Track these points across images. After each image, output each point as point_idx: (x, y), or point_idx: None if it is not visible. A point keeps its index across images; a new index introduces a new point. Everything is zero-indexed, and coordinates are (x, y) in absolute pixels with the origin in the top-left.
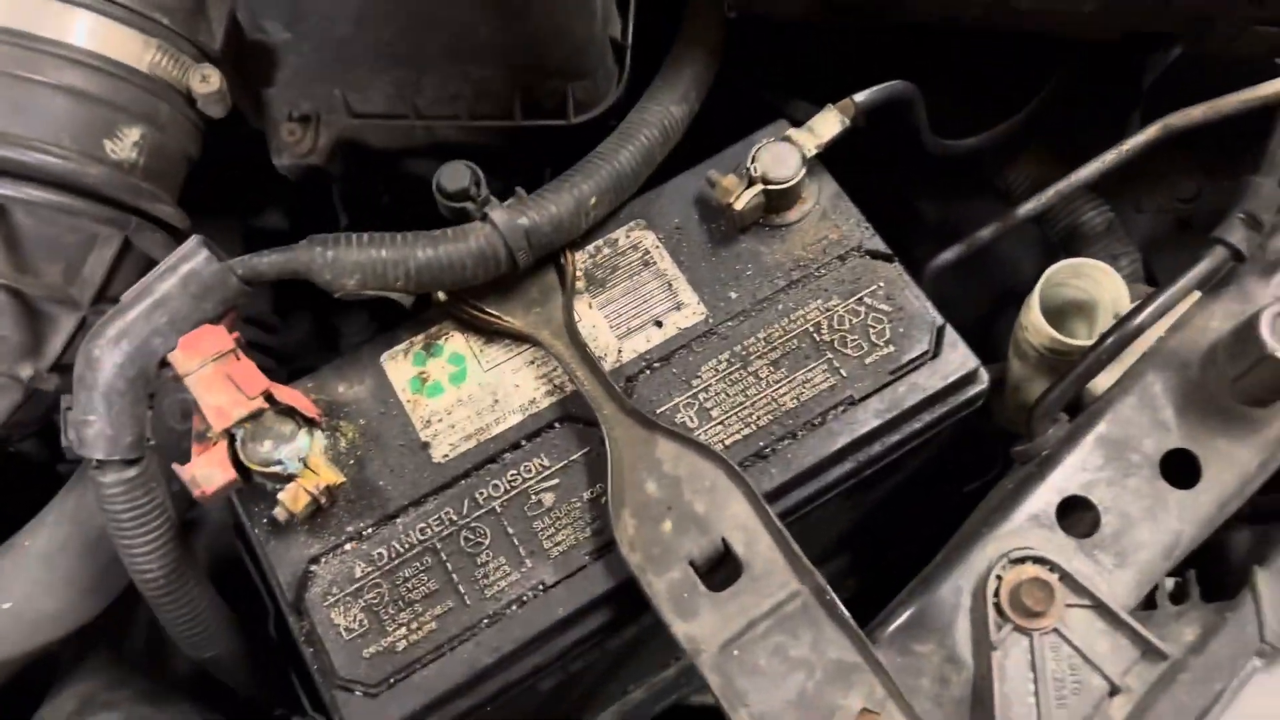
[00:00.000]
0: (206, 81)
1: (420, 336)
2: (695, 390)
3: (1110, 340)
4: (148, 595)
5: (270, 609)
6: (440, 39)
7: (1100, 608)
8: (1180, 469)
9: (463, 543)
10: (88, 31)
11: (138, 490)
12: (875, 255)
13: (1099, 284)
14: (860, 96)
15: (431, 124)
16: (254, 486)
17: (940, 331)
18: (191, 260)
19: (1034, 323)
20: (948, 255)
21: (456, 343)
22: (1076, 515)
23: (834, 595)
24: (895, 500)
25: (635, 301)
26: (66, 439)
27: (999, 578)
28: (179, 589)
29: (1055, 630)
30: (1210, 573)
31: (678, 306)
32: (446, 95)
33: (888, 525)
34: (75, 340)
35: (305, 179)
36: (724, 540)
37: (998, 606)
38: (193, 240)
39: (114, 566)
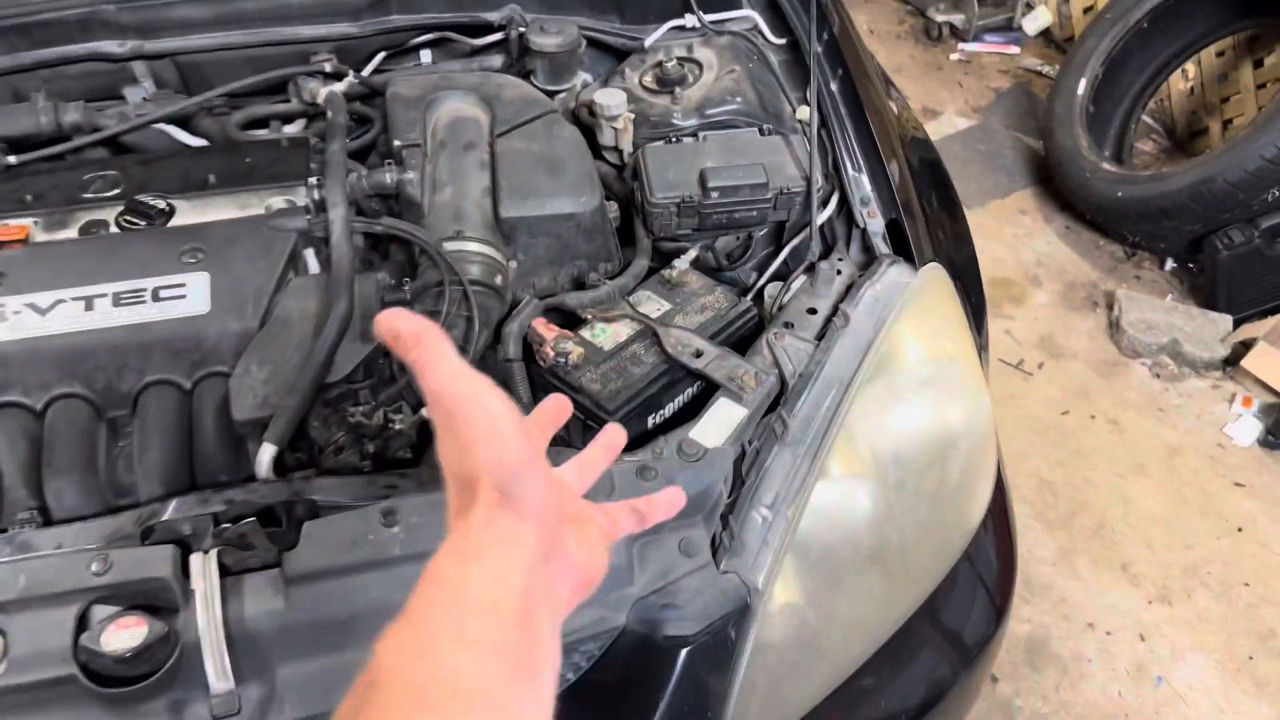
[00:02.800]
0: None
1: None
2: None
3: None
4: None
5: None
6: (569, 259)
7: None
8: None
9: (623, 359)
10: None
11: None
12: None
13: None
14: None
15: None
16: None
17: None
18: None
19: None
20: None
21: (601, 326)
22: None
23: None
24: None
25: (647, 308)
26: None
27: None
28: None
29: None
30: None
31: (659, 307)
32: (567, 277)
33: None
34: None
35: None
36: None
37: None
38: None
39: None
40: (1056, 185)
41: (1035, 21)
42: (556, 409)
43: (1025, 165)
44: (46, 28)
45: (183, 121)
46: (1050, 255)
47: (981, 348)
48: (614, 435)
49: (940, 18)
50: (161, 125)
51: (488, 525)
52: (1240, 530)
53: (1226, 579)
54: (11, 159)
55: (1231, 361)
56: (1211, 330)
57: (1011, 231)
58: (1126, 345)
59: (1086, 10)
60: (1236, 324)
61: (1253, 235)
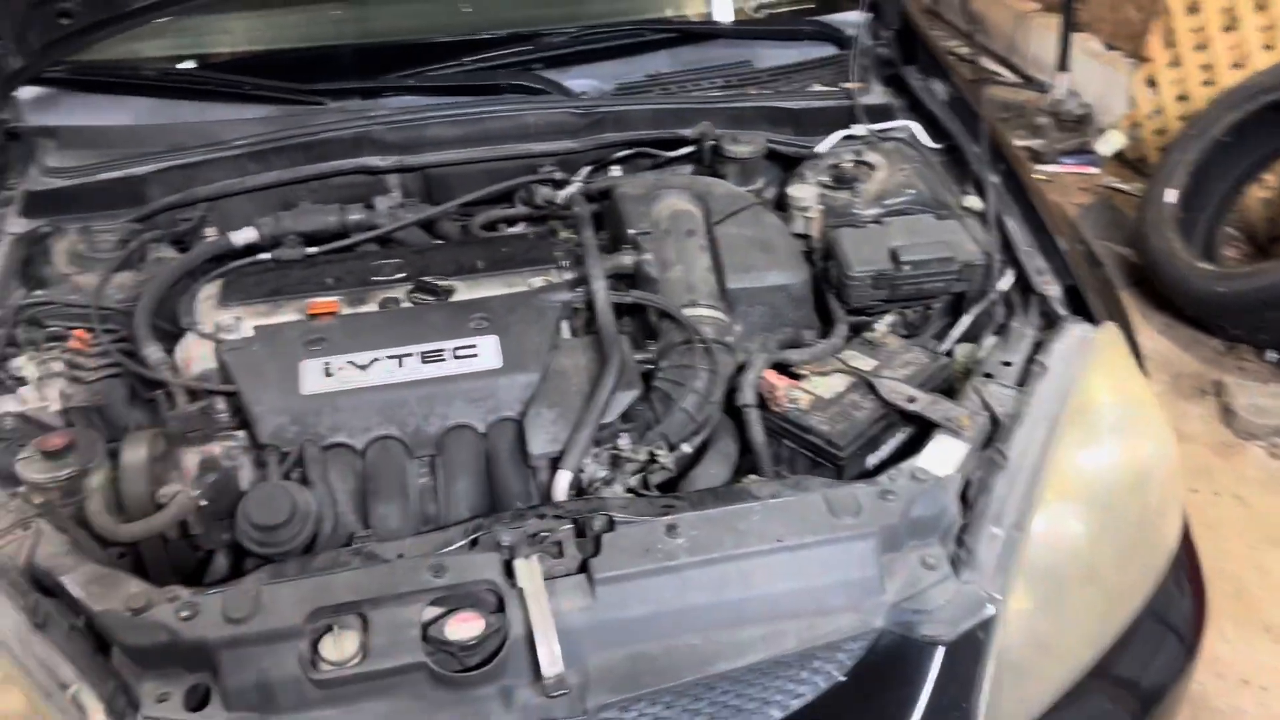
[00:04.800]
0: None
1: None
2: None
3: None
4: None
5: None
6: (779, 325)
7: None
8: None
9: (844, 405)
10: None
11: None
12: None
13: None
14: None
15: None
16: (788, 404)
17: None
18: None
19: None
20: None
21: (817, 379)
22: None
23: None
24: None
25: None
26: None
27: None
28: None
29: None
30: None
31: (867, 364)
32: (778, 341)
33: None
34: None
35: None
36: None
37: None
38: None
39: None
40: (1153, 286)
41: (1109, 144)
42: None
43: (1118, 270)
44: (326, 144)
45: (428, 227)
46: (1154, 350)
47: None
48: None
49: (1020, 143)
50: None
51: None
52: None
53: None
54: (310, 250)
55: None
56: None
57: None
58: (1241, 428)
59: (1157, 132)
60: None
61: None
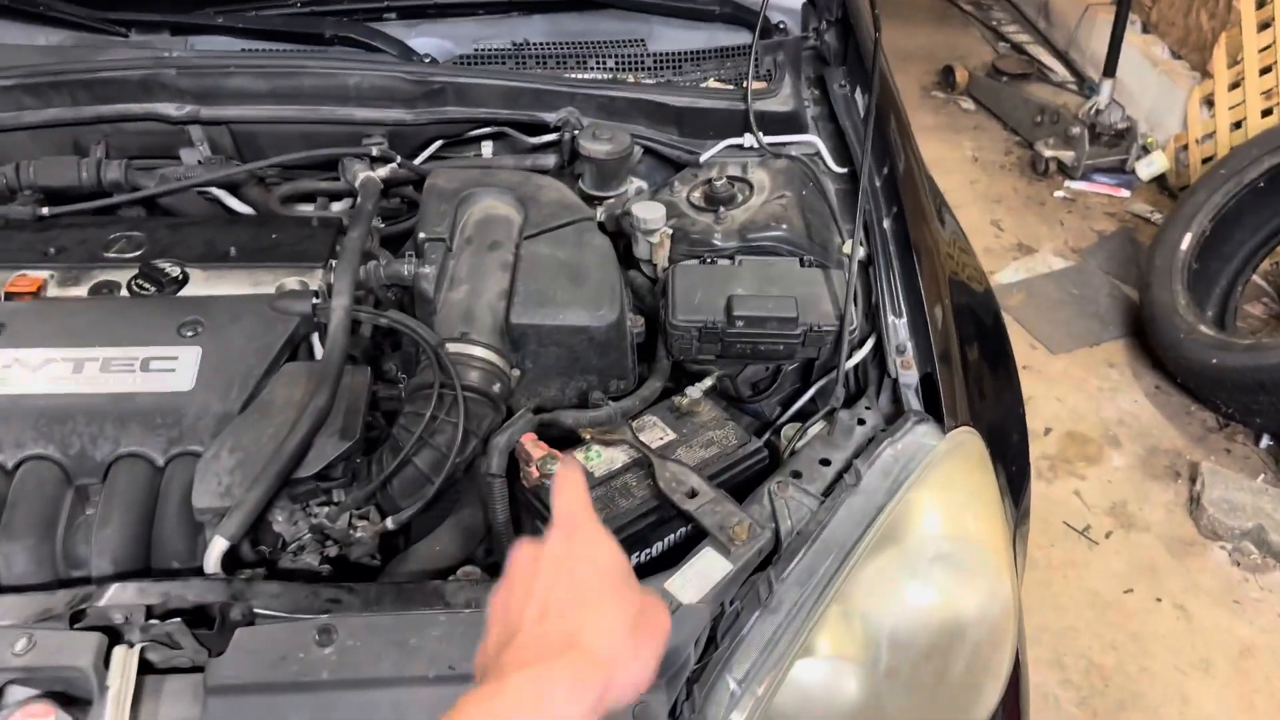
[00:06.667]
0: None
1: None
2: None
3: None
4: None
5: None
6: (580, 372)
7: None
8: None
9: (612, 489)
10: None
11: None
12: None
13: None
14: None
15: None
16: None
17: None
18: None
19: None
20: None
21: (598, 449)
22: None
23: None
24: None
25: (650, 435)
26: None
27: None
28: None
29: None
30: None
31: (663, 435)
32: (575, 390)
33: None
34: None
35: None
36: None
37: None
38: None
39: None
40: (1149, 341)
41: (1150, 167)
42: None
43: (1120, 315)
44: (109, 85)
45: (232, 188)
46: (1134, 415)
47: (1018, 521)
48: None
49: (1048, 153)
50: (214, 190)
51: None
52: None
53: None
54: (44, 210)
55: None
56: None
57: (1096, 384)
58: (1206, 525)
59: (1206, 160)
60: None
61: None
